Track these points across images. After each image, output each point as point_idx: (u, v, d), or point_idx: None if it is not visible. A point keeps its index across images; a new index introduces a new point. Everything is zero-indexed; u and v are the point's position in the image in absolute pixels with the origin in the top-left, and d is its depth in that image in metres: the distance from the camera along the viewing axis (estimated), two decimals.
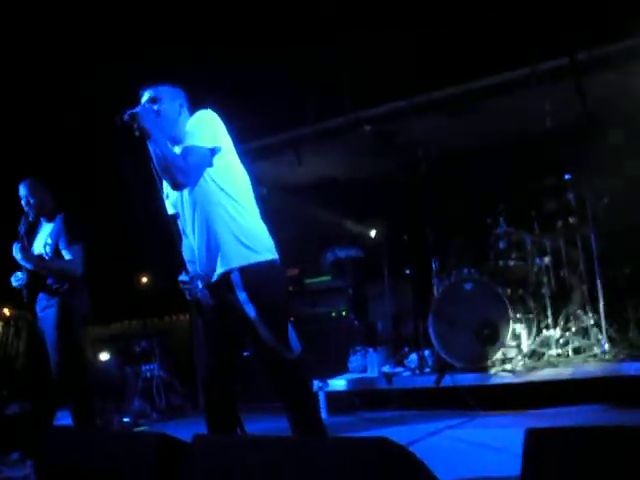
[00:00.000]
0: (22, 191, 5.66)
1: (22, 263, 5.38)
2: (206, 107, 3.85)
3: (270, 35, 7.37)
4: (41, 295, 5.54)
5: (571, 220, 6.29)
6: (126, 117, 3.56)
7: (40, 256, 5.50)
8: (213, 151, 3.72)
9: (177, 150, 3.71)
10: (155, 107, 3.78)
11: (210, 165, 3.71)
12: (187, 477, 2.66)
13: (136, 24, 7.39)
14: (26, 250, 5.38)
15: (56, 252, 5.51)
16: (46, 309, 5.50)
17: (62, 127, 8.65)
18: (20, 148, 8.56)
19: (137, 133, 3.56)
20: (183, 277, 3.74)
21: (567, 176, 6.23)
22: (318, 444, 2.55)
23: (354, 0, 7.08)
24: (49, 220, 5.65)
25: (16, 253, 5.37)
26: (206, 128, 3.74)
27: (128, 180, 3.55)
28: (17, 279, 5.58)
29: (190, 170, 3.64)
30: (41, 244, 5.58)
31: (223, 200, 3.72)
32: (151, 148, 3.57)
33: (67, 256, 5.49)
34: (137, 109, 3.64)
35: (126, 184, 3.59)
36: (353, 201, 8.16)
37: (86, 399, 5.60)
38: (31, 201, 5.59)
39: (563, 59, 6.66)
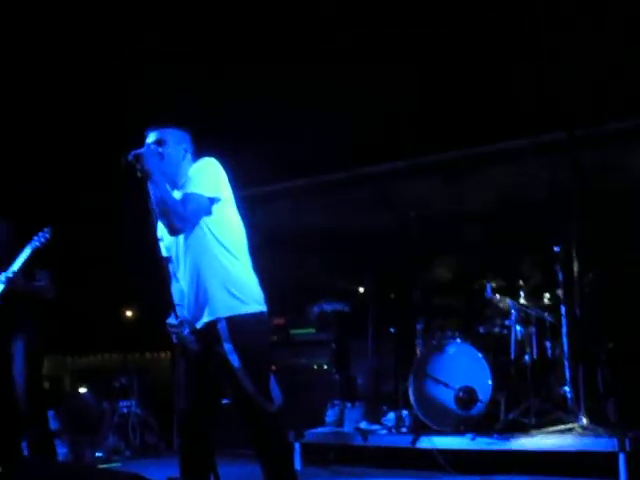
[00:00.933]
0: None
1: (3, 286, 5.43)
2: (210, 155, 3.91)
3: (276, 84, 7.47)
4: (9, 320, 5.55)
5: (557, 292, 6.33)
6: (130, 157, 3.62)
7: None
8: (212, 200, 3.77)
9: (177, 195, 3.76)
10: (160, 149, 3.83)
11: (208, 214, 3.76)
12: None
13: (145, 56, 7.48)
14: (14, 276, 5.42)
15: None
16: (17, 334, 5.52)
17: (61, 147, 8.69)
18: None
19: (139, 174, 3.62)
20: (172, 320, 3.77)
21: (556, 248, 6.28)
22: None
23: (364, 58, 7.18)
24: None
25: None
26: (208, 177, 3.79)
27: (124, 215, 3.60)
28: None
29: (188, 217, 3.68)
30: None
31: (216, 250, 3.77)
32: (151, 190, 3.62)
33: (38, 281, 5.55)
34: (142, 150, 3.70)
35: (123, 219, 3.65)
36: (344, 255, 8.21)
37: (46, 428, 5.59)
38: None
39: (561, 133, 6.78)
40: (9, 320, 5.53)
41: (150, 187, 3.63)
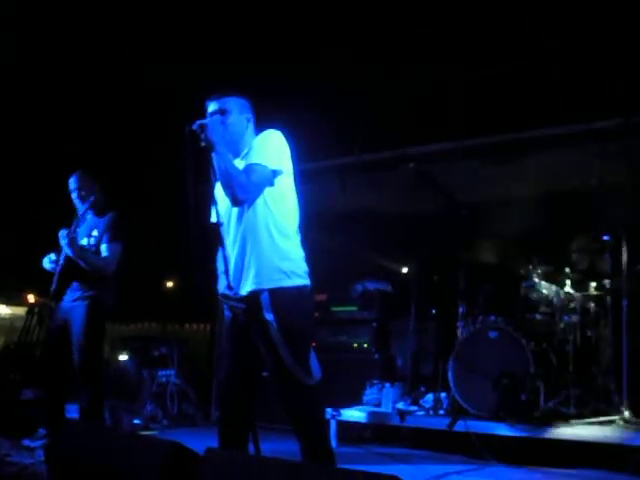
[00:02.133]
0: (72, 183, 5.77)
1: (65, 249, 5.46)
2: (275, 127, 3.90)
3: (330, 63, 7.44)
4: (74, 285, 5.61)
5: (604, 282, 6.25)
6: (195, 127, 3.60)
7: (82, 246, 5.58)
8: (275, 172, 3.76)
9: (239, 164, 3.76)
10: (223, 119, 3.83)
11: (271, 185, 3.75)
12: None
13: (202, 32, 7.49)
14: (73, 237, 5.46)
15: (98, 246, 5.61)
16: (77, 300, 5.57)
17: (119, 123, 8.77)
18: (73, 142, 8.69)
19: (203, 144, 3.61)
20: (226, 290, 3.76)
21: (605, 237, 6.20)
22: (326, 473, 2.57)
23: (416, 38, 7.12)
24: (98, 214, 5.74)
25: (62, 239, 5.45)
26: (273, 148, 3.79)
27: (187, 186, 3.58)
28: (50, 261, 5.66)
29: (251, 188, 3.68)
30: (83, 235, 5.66)
31: (270, 221, 3.76)
32: (215, 161, 3.62)
33: (105, 252, 5.58)
34: (206, 120, 3.69)
35: (184, 190, 3.63)
36: (389, 236, 8.18)
37: (100, 395, 5.65)
38: (82, 193, 5.70)
39: (617, 120, 6.65)
40: (72, 281, 5.60)
41: (214, 157, 3.62)
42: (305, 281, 3.84)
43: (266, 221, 3.76)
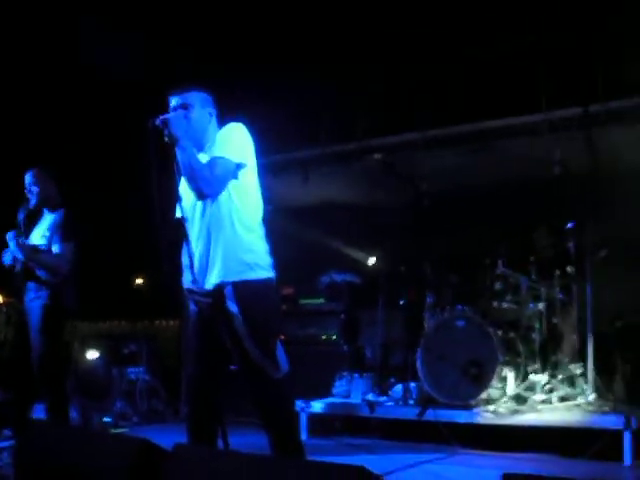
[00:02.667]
0: (27, 179, 5.71)
1: (14, 252, 5.42)
2: (238, 120, 3.89)
3: (294, 53, 7.44)
4: (30, 285, 5.56)
5: (568, 269, 6.32)
6: (158, 122, 3.59)
7: (33, 247, 5.53)
8: (239, 166, 3.76)
9: (203, 158, 3.75)
10: (186, 113, 3.82)
11: (235, 179, 3.75)
12: None
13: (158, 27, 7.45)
14: (21, 242, 5.41)
15: (49, 246, 5.55)
16: (34, 300, 5.52)
17: (77, 120, 8.69)
18: (30, 138, 8.60)
19: (166, 139, 3.60)
20: (191, 285, 3.76)
21: (569, 224, 6.26)
22: (295, 466, 2.58)
23: (376, 31, 7.14)
24: (51, 211, 5.68)
25: (10, 241, 5.40)
26: (236, 142, 3.78)
27: (152, 182, 3.57)
28: (11, 257, 5.61)
29: (215, 182, 3.68)
30: (39, 235, 5.61)
31: (234, 214, 3.76)
32: (179, 155, 3.61)
33: (57, 251, 5.53)
34: (169, 115, 3.68)
35: (148, 186, 3.62)
36: (355, 227, 8.20)
37: (62, 394, 5.62)
38: (34, 189, 5.64)
39: (576, 109, 6.73)
40: (27, 285, 5.55)
41: (177, 152, 3.61)
42: (269, 273, 3.84)
43: (230, 214, 3.76)
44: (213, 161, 3.70)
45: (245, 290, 3.70)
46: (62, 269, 5.52)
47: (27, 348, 5.56)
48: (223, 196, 3.76)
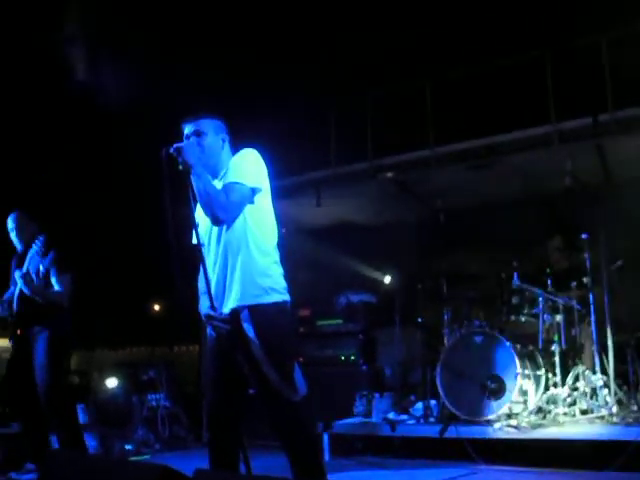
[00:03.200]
0: (10, 224, 5.79)
1: (23, 288, 5.47)
2: (251, 146, 3.91)
3: (300, 77, 7.48)
4: (31, 321, 5.61)
5: (585, 280, 6.29)
6: (172, 150, 3.61)
7: (40, 284, 5.58)
8: (254, 191, 3.77)
9: (217, 184, 3.77)
10: (199, 141, 3.84)
11: (251, 204, 3.77)
12: None
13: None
14: (28, 275, 5.45)
15: (47, 282, 5.60)
16: (36, 335, 5.57)
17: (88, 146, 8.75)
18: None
19: (181, 167, 3.62)
20: (210, 311, 3.76)
21: (584, 236, 6.24)
22: None
23: (382, 50, 7.18)
24: (40, 253, 5.69)
25: (19, 279, 5.45)
26: (250, 167, 3.80)
27: (166, 209, 3.59)
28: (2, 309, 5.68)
29: (231, 208, 3.70)
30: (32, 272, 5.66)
31: (249, 239, 3.78)
32: (194, 182, 3.63)
33: (56, 285, 5.58)
34: (182, 144, 3.70)
35: (163, 213, 3.63)
36: (369, 246, 8.20)
37: (73, 425, 5.64)
38: (22, 236, 5.74)
39: (586, 119, 6.72)
40: (30, 315, 5.58)
41: (192, 179, 3.63)
42: (284, 297, 3.85)
43: (246, 239, 3.77)
44: (228, 187, 3.71)
45: (261, 314, 3.71)
46: (64, 300, 5.60)
47: (31, 380, 5.58)
48: (239, 221, 3.78)
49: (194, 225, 3.83)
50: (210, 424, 3.94)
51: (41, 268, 5.60)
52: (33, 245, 5.54)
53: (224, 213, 3.69)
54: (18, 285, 5.52)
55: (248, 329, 3.67)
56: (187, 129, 3.93)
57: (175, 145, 3.64)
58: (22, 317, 5.61)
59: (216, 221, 3.74)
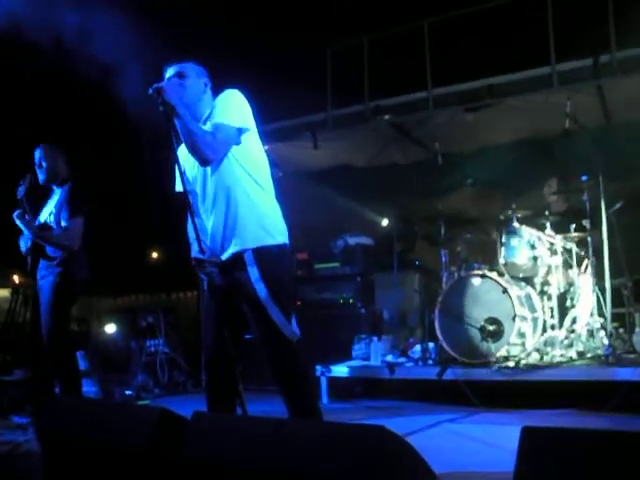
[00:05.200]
0: (37, 154, 5.68)
1: (24, 231, 5.42)
2: (234, 87, 3.85)
3: (296, 20, 7.37)
4: (42, 262, 5.56)
5: (584, 222, 6.26)
6: (151, 91, 3.55)
7: (40, 225, 5.51)
8: (240, 130, 3.73)
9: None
10: (181, 82, 3.79)
11: (237, 144, 3.72)
12: (185, 452, 2.68)
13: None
14: (24, 217, 5.39)
15: (58, 222, 5.53)
16: (45, 277, 5.53)
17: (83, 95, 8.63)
18: (39, 115, 8.56)
19: (161, 108, 3.55)
20: (199, 254, 3.74)
21: (583, 178, 6.19)
22: (315, 427, 2.57)
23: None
24: (60, 187, 5.65)
25: (16, 219, 5.39)
26: (235, 107, 3.74)
27: (145, 155, 3.55)
28: (26, 245, 5.61)
29: (218, 147, 3.64)
30: (48, 211, 5.59)
31: (244, 180, 3.74)
32: (178, 123, 3.57)
33: (66, 226, 5.50)
34: (163, 84, 3.62)
35: (144, 158, 3.60)
36: (367, 189, 8.15)
37: (73, 370, 5.64)
38: (43, 164, 5.62)
39: (586, 60, 6.63)
40: (41, 255, 5.55)
41: (175, 120, 3.57)
42: (285, 239, 3.84)
43: (241, 182, 3.74)
44: (215, 126, 3.66)
45: (264, 256, 3.69)
46: (73, 244, 5.50)
47: (36, 326, 5.58)
48: (230, 163, 3.73)
49: (181, 172, 3.79)
50: (207, 368, 3.94)
51: (54, 210, 5.55)
52: (60, 189, 5.50)
53: (211, 151, 3.64)
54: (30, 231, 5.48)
55: (252, 271, 3.65)
56: (168, 72, 3.87)
57: (155, 85, 3.55)
58: (35, 259, 5.58)
59: (204, 161, 3.69)
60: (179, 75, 3.82)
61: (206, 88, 3.92)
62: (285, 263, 3.85)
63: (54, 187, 5.67)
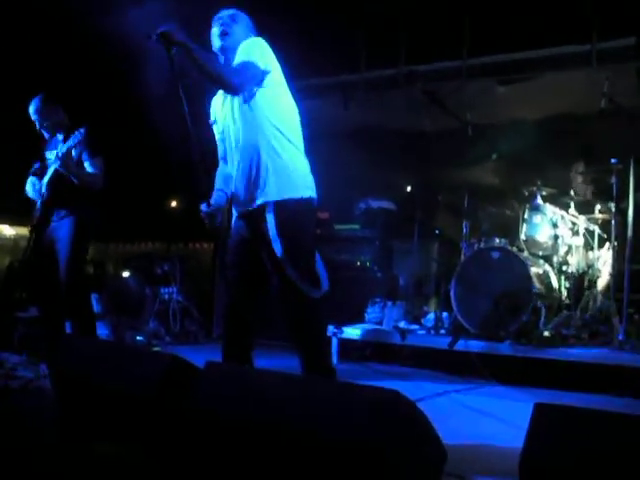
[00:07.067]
0: (33, 112, 5.68)
1: (60, 169, 5.39)
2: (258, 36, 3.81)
3: None
4: (59, 204, 5.57)
5: (609, 205, 6.19)
6: (154, 38, 3.47)
7: (74, 160, 5.52)
8: (264, 72, 3.68)
9: None
10: (231, 24, 3.76)
11: (260, 83, 3.67)
12: (195, 401, 2.69)
13: None
14: (66, 155, 5.38)
15: (78, 164, 5.54)
16: (62, 219, 5.55)
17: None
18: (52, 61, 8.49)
19: (174, 50, 3.48)
20: (204, 207, 3.74)
21: (613, 161, 6.10)
22: (329, 385, 2.57)
23: None
24: (66, 134, 5.61)
25: (55, 160, 5.36)
26: (257, 51, 3.70)
27: (184, 103, 3.50)
28: (34, 188, 5.62)
29: (240, 72, 3.60)
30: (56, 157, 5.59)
31: (269, 131, 3.71)
32: (195, 61, 3.49)
33: (89, 168, 5.52)
34: (162, 27, 3.51)
35: (180, 107, 3.54)
36: (393, 154, 8.08)
37: (87, 311, 5.69)
38: (45, 123, 5.64)
39: (629, 39, 6.51)
40: (59, 199, 5.55)
41: (192, 58, 3.49)
42: (311, 193, 3.82)
43: (266, 132, 3.71)
44: (238, 63, 3.63)
45: (286, 210, 3.68)
46: (99, 183, 5.54)
47: (52, 267, 5.58)
48: (257, 115, 3.70)
49: (211, 122, 3.77)
50: (224, 319, 3.95)
51: (73, 152, 5.54)
52: (71, 136, 5.49)
53: (236, 77, 3.60)
54: (51, 168, 5.47)
55: (271, 225, 3.65)
56: (222, 13, 3.83)
57: (158, 31, 3.46)
58: (51, 201, 5.57)
59: (231, 89, 3.65)
60: (232, 17, 3.78)
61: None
62: (307, 218, 3.84)
63: (57, 135, 5.65)
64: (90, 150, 5.53)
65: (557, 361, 5.64)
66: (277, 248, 3.62)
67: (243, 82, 3.63)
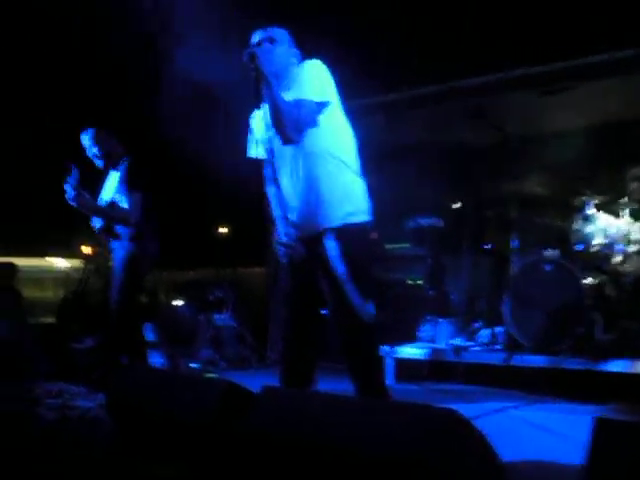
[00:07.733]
0: (85, 141, 5.76)
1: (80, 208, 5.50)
2: (314, 58, 3.80)
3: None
4: (111, 236, 5.68)
5: None
6: (245, 57, 3.51)
7: (109, 203, 5.61)
8: (322, 105, 3.68)
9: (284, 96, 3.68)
10: (272, 48, 3.75)
11: (320, 118, 3.68)
12: (252, 426, 2.69)
13: None
14: (81, 196, 5.44)
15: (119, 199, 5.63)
16: (117, 250, 5.65)
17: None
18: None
19: (253, 74, 3.52)
20: (283, 239, 3.76)
21: None
22: (387, 407, 2.56)
23: None
24: (116, 167, 5.71)
25: (71, 201, 5.43)
26: (316, 80, 3.70)
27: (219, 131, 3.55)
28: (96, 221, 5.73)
29: (301, 126, 3.61)
30: (110, 192, 5.68)
31: (327, 156, 3.70)
32: (265, 93, 3.54)
33: (124, 203, 5.59)
34: (256, 49, 3.57)
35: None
36: (437, 170, 8.06)
37: (136, 340, 5.75)
38: (95, 151, 5.71)
39: None
40: (109, 231, 5.65)
41: (264, 89, 3.54)
42: (368, 217, 3.82)
43: (324, 157, 3.70)
44: (296, 103, 3.63)
45: (346, 235, 3.68)
46: (130, 220, 5.58)
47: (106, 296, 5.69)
48: (313, 138, 3.70)
49: (253, 140, 3.79)
50: (285, 342, 3.95)
51: (113, 189, 5.64)
52: (118, 167, 5.58)
53: (295, 132, 3.62)
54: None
55: (332, 249, 3.64)
56: (258, 36, 3.82)
57: (248, 50, 3.53)
58: (103, 233, 5.70)
59: (285, 140, 3.67)
60: (270, 40, 3.78)
61: (295, 59, 3.88)
62: (365, 242, 3.85)
63: (110, 168, 5.74)
64: (127, 185, 5.59)
65: (615, 374, 5.54)
66: (338, 273, 3.62)
67: (299, 137, 3.65)
